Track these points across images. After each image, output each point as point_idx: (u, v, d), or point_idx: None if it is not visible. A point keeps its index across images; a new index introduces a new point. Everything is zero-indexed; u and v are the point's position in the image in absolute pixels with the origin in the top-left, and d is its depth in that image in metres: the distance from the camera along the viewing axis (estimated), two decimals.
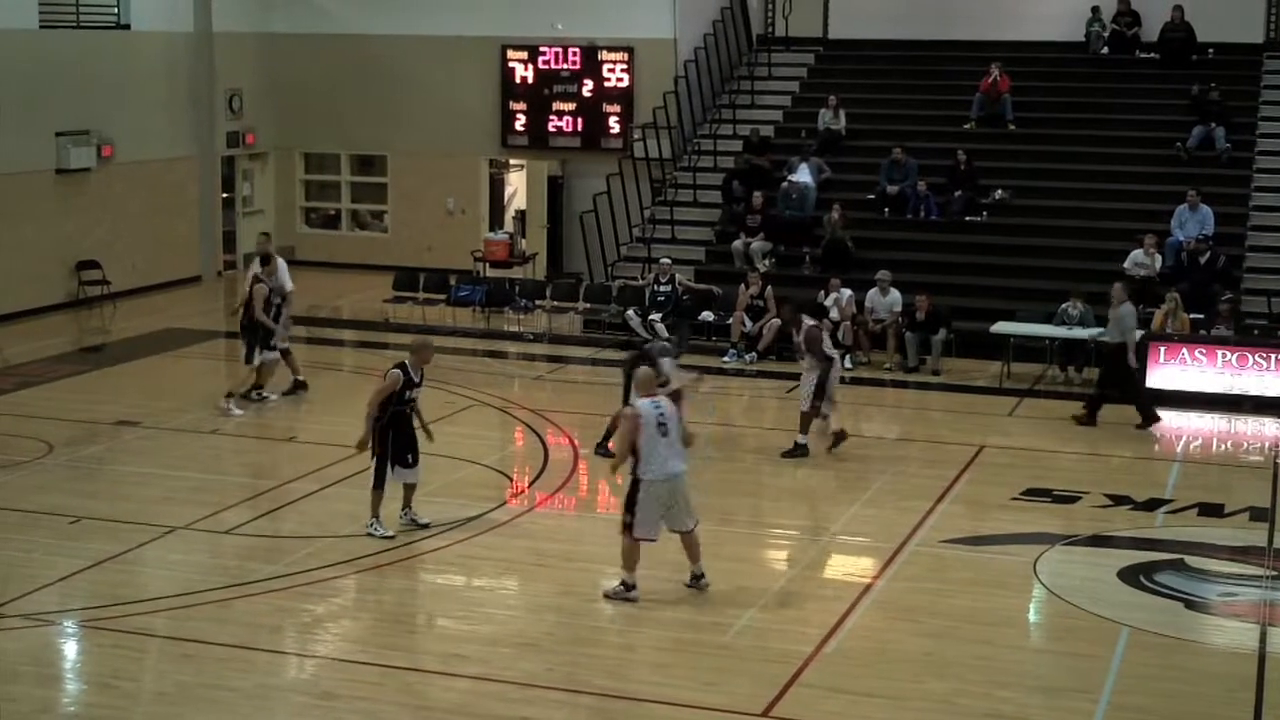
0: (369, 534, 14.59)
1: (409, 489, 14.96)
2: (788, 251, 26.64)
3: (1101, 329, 21.35)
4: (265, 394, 20.34)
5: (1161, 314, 22.04)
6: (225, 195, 32.04)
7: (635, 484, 12.93)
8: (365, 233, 33.66)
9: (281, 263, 21.12)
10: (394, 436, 14.61)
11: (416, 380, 14.81)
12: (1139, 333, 20.88)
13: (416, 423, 14.96)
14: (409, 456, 14.75)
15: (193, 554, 14.49)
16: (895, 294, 23.74)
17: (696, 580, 13.26)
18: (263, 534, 14.91)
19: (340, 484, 16.12)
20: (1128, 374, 20.31)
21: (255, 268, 20.91)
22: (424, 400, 15.12)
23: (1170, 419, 20.57)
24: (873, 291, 23.89)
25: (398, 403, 14.62)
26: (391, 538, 14.54)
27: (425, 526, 14.85)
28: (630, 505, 12.94)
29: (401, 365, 14.75)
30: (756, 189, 27.38)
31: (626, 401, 16.66)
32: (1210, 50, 29.73)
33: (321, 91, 32.48)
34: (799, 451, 18.05)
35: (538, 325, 26.38)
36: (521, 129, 31.71)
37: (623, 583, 13.02)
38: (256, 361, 20.07)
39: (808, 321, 18.33)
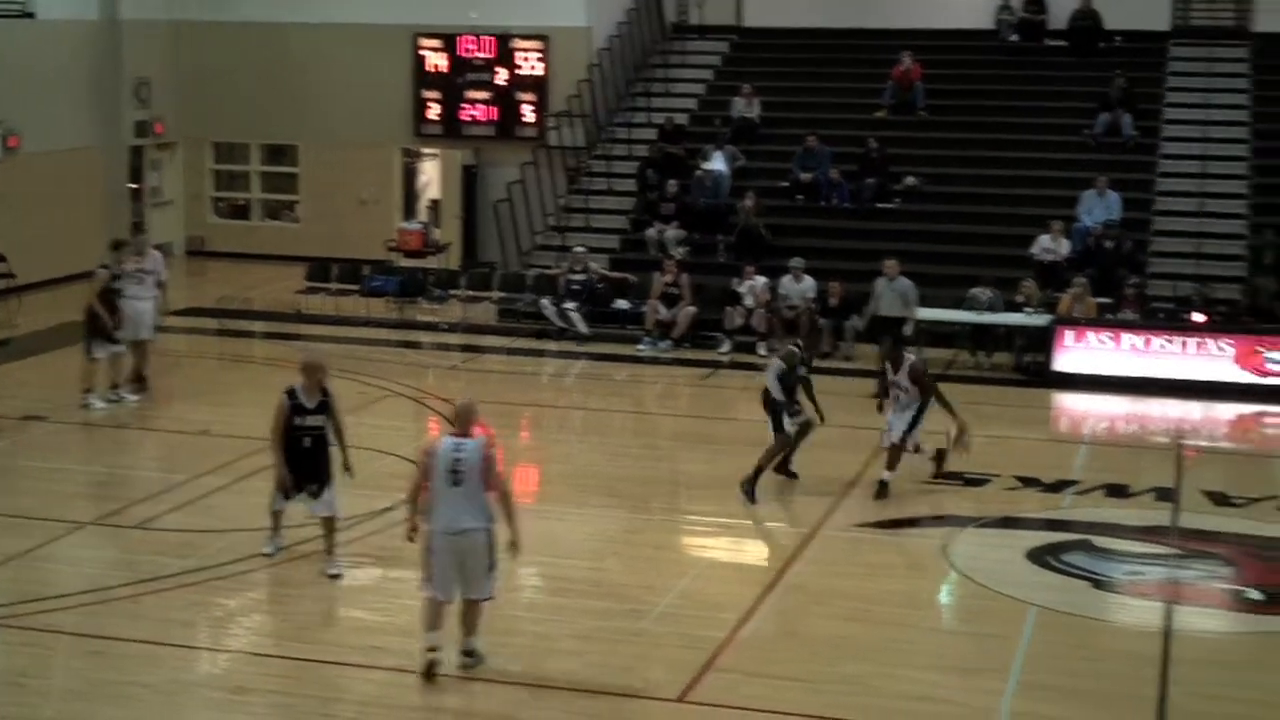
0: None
1: (325, 523, 13.54)
2: (702, 239, 26.73)
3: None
4: (121, 393, 19.65)
5: (1069, 299, 22.34)
6: (133, 186, 31.69)
7: (429, 534, 11.22)
8: (276, 223, 33.43)
9: (155, 253, 20.81)
10: (290, 469, 13.29)
11: (309, 406, 13.27)
12: (1046, 317, 21.28)
13: (342, 456, 13.58)
14: (311, 487, 13.36)
15: (103, 550, 14.37)
16: (809, 280, 23.89)
17: (467, 655, 11.28)
18: (174, 528, 14.80)
19: (253, 477, 16.01)
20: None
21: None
22: (342, 402, 13.87)
23: (1078, 401, 20.87)
24: (786, 278, 24.03)
25: (290, 430, 13.25)
26: (269, 555, 13.63)
27: (335, 578, 13.37)
28: (425, 557, 11.19)
29: (290, 389, 13.34)
30: (671, 177, 27.45)
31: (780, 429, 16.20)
32: (1117, 38, 30.11)
33: (231, 80, 32.20)
34: (883, 491, 16.17)
35: (452, 315, 26.32)
36: (435, 118, 31.61)
37: (426, 647, 11.17)
38: (97, 355, 19.32)
39: (910, 357, 16.82)
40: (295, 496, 13.45)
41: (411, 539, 11.32)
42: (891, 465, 16.23)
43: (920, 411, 16.31)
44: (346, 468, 13.57)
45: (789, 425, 16.24)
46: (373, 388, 20.72)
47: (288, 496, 13.46)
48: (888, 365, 16.70)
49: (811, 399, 16.43)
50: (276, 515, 13.72)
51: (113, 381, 19.60)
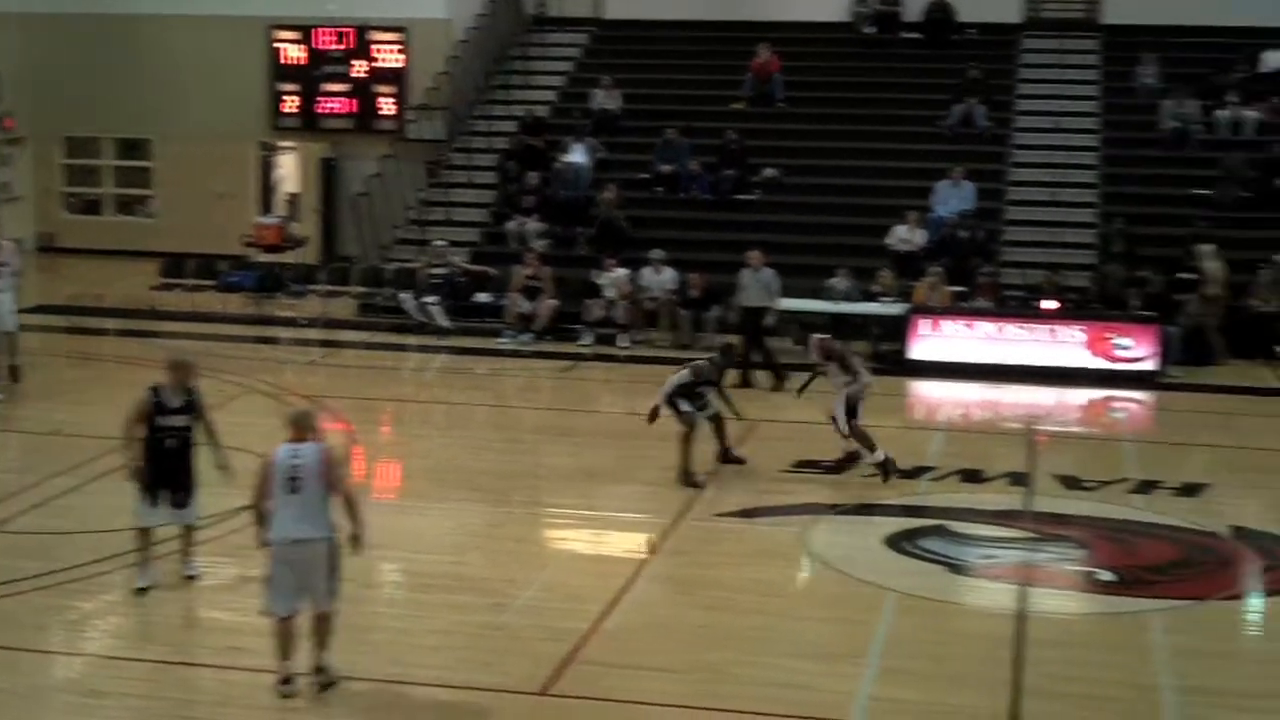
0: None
1: (185, 529, 13.07)
2: (563, 232, 26.77)
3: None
4: None
5: (924, 287, 22.69)
6: None
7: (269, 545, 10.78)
8: (130, 218, 32.91)
9: (9, 244, 20.51)
10: (148, 470, 12.70)
11: (173, 405, 12.74)
12: (902, 305, 21.57)
13: (216, 455, 13.04)
14: (174, 495, 12.81)
15: None
16: (669, 272, 24.02)
17: (319, 673, 10.68)
18: (28, 531, 14.51)
19: (106, 478, 15.74)
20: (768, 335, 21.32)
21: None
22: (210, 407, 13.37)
23: (933, 388, 21.19)
24: (647, 270, 24.14)
25: (153, 430, 12.68)
26: (144, 590, 12.73)
27: (192, 579, 13.02)
28: (268, 574, 10.76)
29: (154, 386, 12.81)
30: (531, 170, 27.46)
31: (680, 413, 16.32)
32: (970, 30, 30.64)
33: (83, 74, 31.65)
34: (889, 467, 16.32)
35: (311, 310, 26.08)
36: (292, 111, 31.34)
37: (279, 676, 10.70)
38: None
39: (815, 337, 17.40)
40: (159, 504, 12.79)
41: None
42: (868, 446, 16.39)
43: (847, 398, 16.44)
44: (223, 466, 13.03)
45: (689, 409, 16.38)
46: (230, 384, 20.46)
47: (154, 503, 12.77)
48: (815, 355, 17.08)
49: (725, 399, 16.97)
50: (145, 534, 12.87)
51: None
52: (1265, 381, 22.23)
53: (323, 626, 10.72)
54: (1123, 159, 27.55)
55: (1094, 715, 10.68)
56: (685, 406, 16.36)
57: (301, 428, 10.79)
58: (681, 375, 16.50)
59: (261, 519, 10.80)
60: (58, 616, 12.32)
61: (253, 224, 29.83)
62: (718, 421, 16.79)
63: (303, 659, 10.75)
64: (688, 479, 16.15)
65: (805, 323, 23.31)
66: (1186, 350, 22.57)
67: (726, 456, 16.91)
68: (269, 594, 10.65)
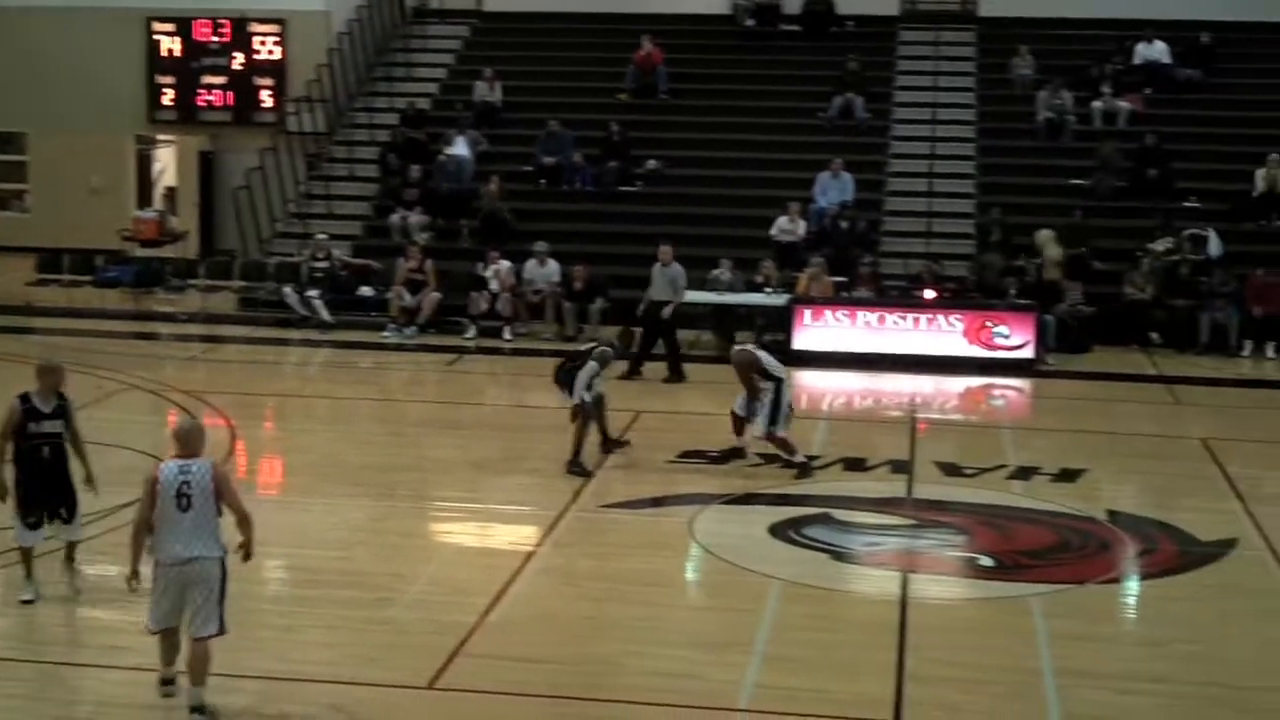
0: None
1: (69, 545, 12.46)
2: (446, 224, 26.68)
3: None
4: None
5: (806, 278, 22.87)
6: None
7: (155, 565, 10.30)
8: (5, 213, 32.33)
9: None
10: (24, 483, 12.17)
11: (46, 410, 12.18)
12: (785, 296, 21.77)
13: (82, 468, 12.47)
14: (60, 511, 12.36)
15: None
16: (553, 264, 24.03)
17: (196, 712, 10.08)
18: None
19: None
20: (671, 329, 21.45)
21: None
22: (81, 413, 12.81)
23: (816, 378, 21.41)
24: (530, 263, 24.13)
25: (26, 439, 12.12)
26: (30, 601, 12.24)
27: (77, 593, 12.48)
28: (153, 593, 10.36)
29: (24, 394, 12.21)
30: (413, 162, 27.33)
31: (577, 403, 16.34)
32: (849, 22, 30.90)
33: None
34: (806, 470, 16.44)
35: (191, 305, 25.79)
36: (169, 104, 30.95)
37: (160, 678, 10.51)
38: None
39: (736, 347, 17.22)
40: (44, 526, 12.26)
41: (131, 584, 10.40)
42: (788, 450, 16.39)
43: (769, 399, 16.26)
44: (88, 481, 12.49)
45: (584, 394, 16.41)
46: (110, 381, 20.21)
47: (34, 526, 12.21)
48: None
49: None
50: (26, 553, 12.33)
51: None
52: (1140, 368, 22.67)
53: (201, 655, 10.16)
54: (999, 150, 27.95)
55: (976, 699, 10.83)
56: (587, 396, 16.43)
57: (188, 444, 10.37)
58: (591, 367, 16.48)
59: (145, 538, 10.31)
60: None
61: (131, 218, 29.43)
62: (600, 406, 16.88)
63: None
64: (578, 467, 16.20)
65: (692, 314, 23.52)
66: (1061, 338, 22.96)
67: (608, 443, 17.03)
68: (153, 612, 10.29)
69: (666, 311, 21.54)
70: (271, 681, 10.67)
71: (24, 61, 30.93)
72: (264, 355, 23.17)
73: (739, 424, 16.64)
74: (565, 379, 16.60)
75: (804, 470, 16.39)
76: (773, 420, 16.28)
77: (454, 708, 10.69)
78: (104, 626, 12.12)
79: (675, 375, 21.04)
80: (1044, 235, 24.40)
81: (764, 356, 16.65)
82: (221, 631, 10.23)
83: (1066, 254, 24.03)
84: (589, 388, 16.42)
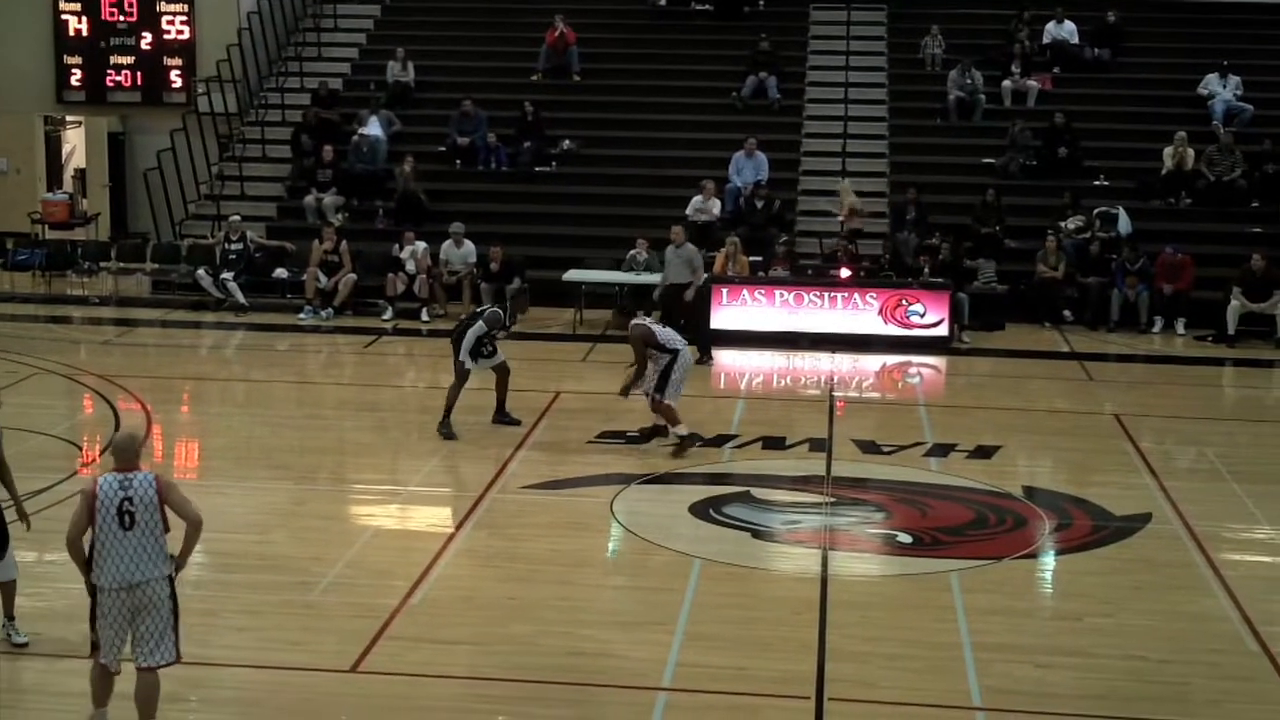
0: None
1: (6, 587, 11.34)
2: (361, 205, 26.55)
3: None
4: None
5: (722, 257, 22.94)
6: None
7: (96, 590, 9.56)
8: None
9: None
10: None
11: None
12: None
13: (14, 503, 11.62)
14: None
15: None
16: (469, 245, 23.96)
17: None
18: None
19: None
20: (691, 309, 21.16)
21: None
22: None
23: (734, 357, 21.50)
24: (447, 244, 24.06)
25: None
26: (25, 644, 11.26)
27: (23, 645, 11.22)
28: (92, 619, 9.72)
29: None
30: (326, 143, 27.14)
31: (459, 360, 16.77)
32: (761, 2, 30.98)
33: None
34: (688, 442, 16.50)
35: (103, 288, 25.51)
36: (78, 84, 30.54)
37: None
38: None
39: (632, 321, 17.13)
40: None
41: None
42: (672, 421, 16.48)
43: (661, 367, 16.41)
44: (21, 517, 11.60)
45: (470, 364, 16.84)
46: (22, 365, 19.96)
47: None
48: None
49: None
50: None
51: None
52: (1053, 346, 22.94)
53: (151, 689, 9.56)
54: (911, 129, 28.16)
55: (897, 675, 10.94)
56: (468, 361, 16.85)
57: (127, 456, 9.60)
58: (478, 328, 16.85)
59: (83, 559, 9.57)
60: None
61: (40, 200, 29.03)
62: (503, 373, 17.27)
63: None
64: (446, 429, 16.75)
65: (601, 294, 23.53)
66: (975, 314, 23.20)
67: (501, 414, 17.34)
68: (100, 645, 9.56)
69: (689, 294, 21.38)
70: (191, 667, 10.58)
71: None
72: (179, 338, 22.96)
73: (655, 402, 16.70)
74: (456, 338, 17.06)
75: (684, 444, 16.44)
76: (660, 388, 16.40)
77: (377, 690, 10.68)
78: (21, 614, 11.96)
79: (705, 357, 20.92)
80: (844, 185, 25.24)
81: (660, 330, 16.81)
82: (177, 659, 9.67)
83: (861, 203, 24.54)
84: (475, 351, 16.86)
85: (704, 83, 29.22)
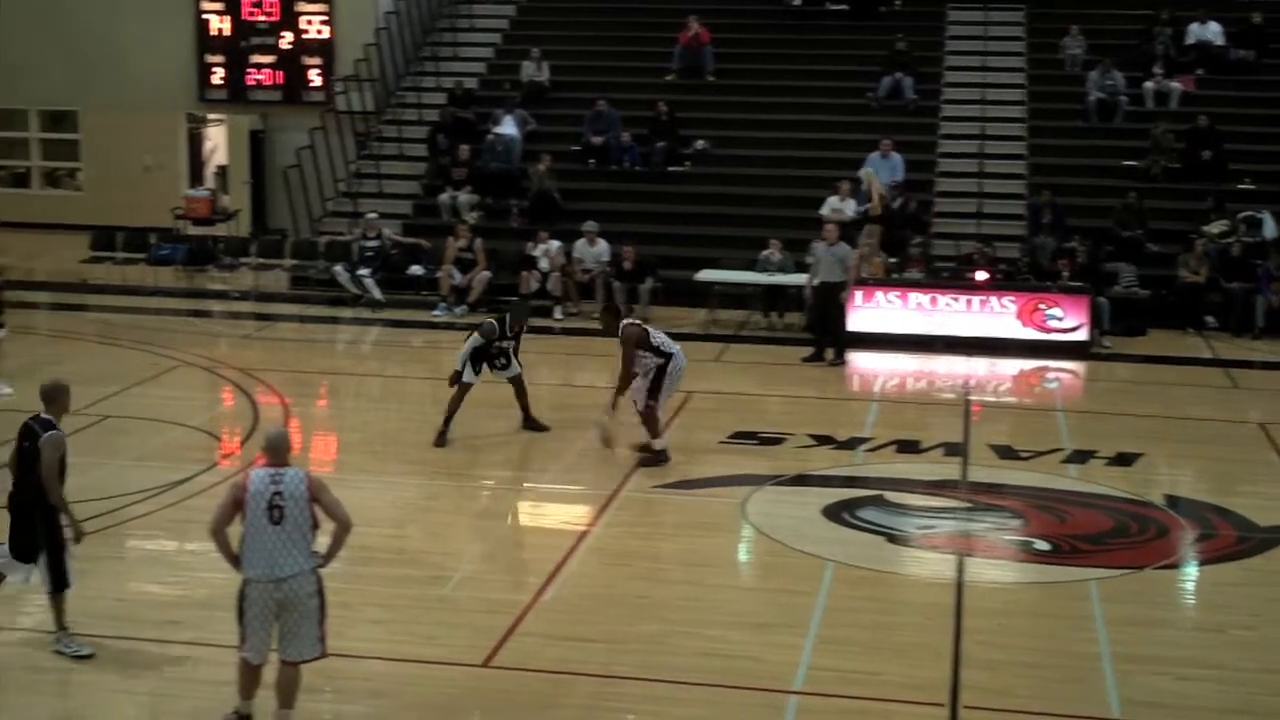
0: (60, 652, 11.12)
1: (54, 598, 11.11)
2: (495, 204, 26.70)
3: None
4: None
5: (856, 258, 22.71)
6: None
7: (244, 583, 9.63)
8: (58, 191, 32.53)
9: None
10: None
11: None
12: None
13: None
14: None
15: None
16: (603, 244, 24.00)
17: None
18: None
19: None
20: (842, 310, 20.98)
21: None
22: (137, 390, 12.47)
23: (869, 360, 21.33)
24: (580, 242, 24.11)
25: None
26: (90, 656, 11.06)
27: (88, 658, 11.01)
28: (240, 612, 9.67)
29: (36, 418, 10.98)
30: (462, 142, 27.34)
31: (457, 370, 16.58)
32: (897, 2, 30.74)
33: (6, 45, 31.20)
34: (660, 458, 15.90)
35: (243, 283, 25.90)
36: (219, 82, 31.03)
37: (235, 711, 9.83)
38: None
39: (623, 321, 16.29)
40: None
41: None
42: (654, 432, 15.95)
43: (651, 373, 15.81)
44: (74, 527, 11.10)
45: (471, 377, 16.63)
46: (163, 358, 20.31)
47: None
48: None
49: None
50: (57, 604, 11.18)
51: None
52: (1196, 351, 22.47)
53: (291, 678, 9.68)
54: (1050, 130, 27.76)
55: (1034, 684, 10.78)
56: (469, 373, 16.60)
57: (279, 452, 9.70)
58: (473, 340, 16.68)
59: (228, 549, 9.64)
60: None
61: (183, 196, 29.56)
62: (518, 385, 17.03)
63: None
64: (442, 439, 16.49)
65: (734, 294, 23.46)
66: (1115, 319, 22.80)
67: (529, 422, 17.16)
68: (246, 638, 9.61)
69: (844, 296, 21.16)
70: (329, 658, 10.64)
71: (75, 40, 31.08)
72: (316, 333, 23.25)
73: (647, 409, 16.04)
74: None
75: (657, 458, 15.80)
76: (653, 393, 15.81)
77: (509, 685, 10.71)
78: (160, 601, 12.19)
79: (839, 358, 20.87)
80: (866, 172, 24.80)
81: (654, 332, 16.12)
82: (321, 655, 9.75)
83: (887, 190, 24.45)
84: (484, 362, 16.69)
85: (839, 83, 29.04)
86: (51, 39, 31.14)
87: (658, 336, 16.04)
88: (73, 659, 10.96)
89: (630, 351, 15.75)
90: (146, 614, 11.95)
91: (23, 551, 11.05)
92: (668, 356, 15.84)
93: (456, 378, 16.64)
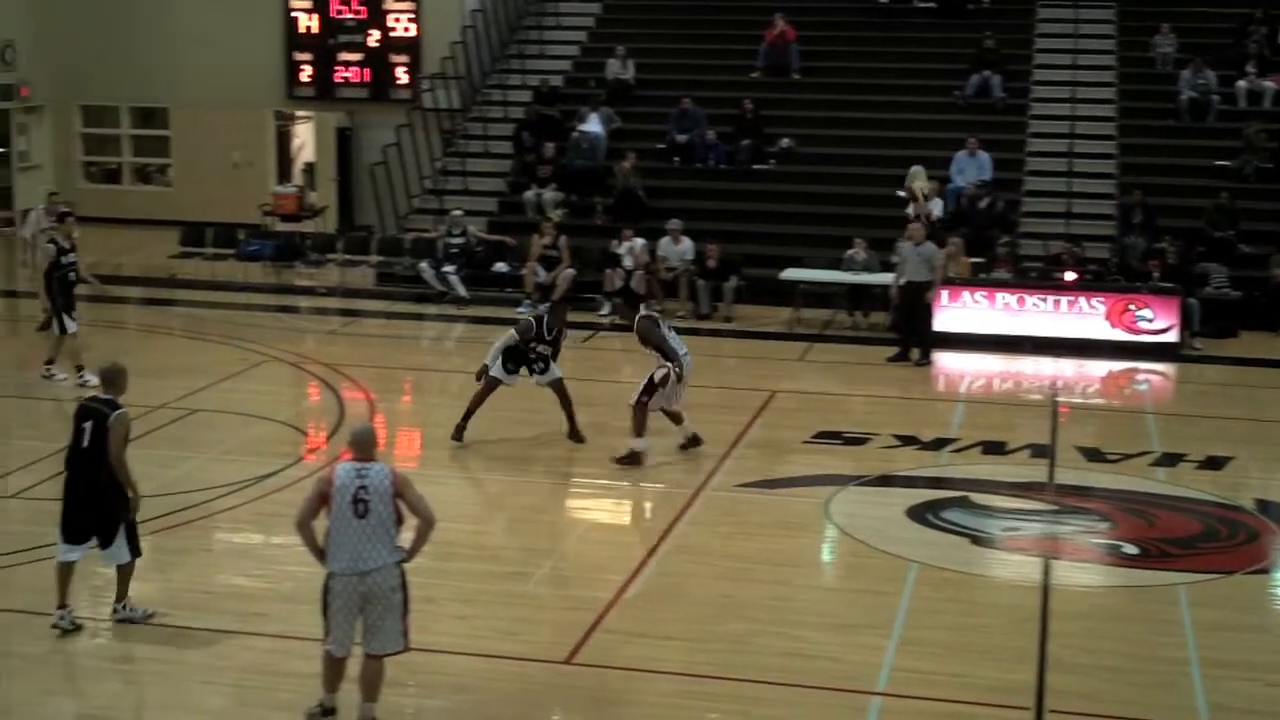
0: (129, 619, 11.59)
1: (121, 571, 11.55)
2: (580, 201, 26.73)
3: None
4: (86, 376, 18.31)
5: (943, 258, 22.55)
6: (0, 150, 31.06)
7: (328, 576, 9.72)
8: (149, 187, 32.91)
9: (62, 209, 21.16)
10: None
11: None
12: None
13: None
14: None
15: None
16: (687, 242, 23.96)
17: None
18: (50, 498, 14.47)
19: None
20: (928, 310, 20.85)
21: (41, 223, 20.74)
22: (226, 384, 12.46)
23: (954, 360, 21.18)
24: (665, 240, 24.08)
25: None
26: (151, 616, 11.61)
27: (150, 616, 11.59)
28: (324, 605, 9.75)
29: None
30: (547, 139, 27.40)
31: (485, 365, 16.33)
32: (986, 0, 30.50)
33: (98, 42, 31.63)
34: (634, 460, 15.75)
35: (329, 279, 26.09)
36: (307, 80, 31.27)
37: (320, 704, 9.94)
38: (71, 329, 18.58)
39: (640, 315, 16.30)
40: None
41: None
42: (638, 430, 15.72)
43: (661, 372, 15.71)
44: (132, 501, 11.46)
45: (504, 377, 16.41)
46: (250, 353, 20.49)
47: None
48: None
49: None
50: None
51: (77, 364, 18.64)
52: None
53: (374, 672, 9.76)
54: (1140, 129, 27.43)
55: (1120, 689, 10.66)
56: (496, 370, 16.32)
57: (365, 447, 9.78)
58: (508, 337, 16.40)
59: (313, 542, 9.75)
60: (81, 582, 12.27)
61: (271, 193, 29.81)
62: (560, 390, 16.57)
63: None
64: (458, 435, 16.27)
65: (819, 293, 23.34)
66: (1206, 321, 22.49)
67: (573, 432, 16.63)
68: (330, 630, 9.70)
69: (930, 296, 20.96)
70: (411, 653, 10.68)
71: (166, 38, 31.42)
72: (401, 329, 23.37)
73: (674, 416, 16.10)
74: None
75: (631, 459, 15.56)
76: (648, 390, 15.67)
77: (590, 682, 10.73)
78: (245, 594, 12.30)
79: (925, 358, 20.79)
80: (915, 170, 24.81)
81: (668, 333, 16.04)
82: (404, 649, 9.82)
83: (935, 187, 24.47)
84: (520, 364, 16.39)
85: (925, 81, 28.84)
86: (143, 37, 31.49)
87: (673, 338, 16.00)
88: (143, 623, 11.36)
89: (654, 340, 15.81)
90: (231, 606, 12.06)
91: (107, 531, 11.30)
92: (674, 358, 15.74)
93: (483, 371, 16.40)
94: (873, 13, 30.96)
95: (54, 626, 11.29)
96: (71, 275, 18.92)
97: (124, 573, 11.49)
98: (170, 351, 20.88)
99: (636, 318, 16.19)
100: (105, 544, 11.32)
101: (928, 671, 10.89)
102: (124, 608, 11.50)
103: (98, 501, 11.23)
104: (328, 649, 9.76)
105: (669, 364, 15.77)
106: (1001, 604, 12.39)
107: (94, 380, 17.56)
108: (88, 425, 11.18)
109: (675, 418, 16.22)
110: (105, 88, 32.16)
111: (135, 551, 11.43)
